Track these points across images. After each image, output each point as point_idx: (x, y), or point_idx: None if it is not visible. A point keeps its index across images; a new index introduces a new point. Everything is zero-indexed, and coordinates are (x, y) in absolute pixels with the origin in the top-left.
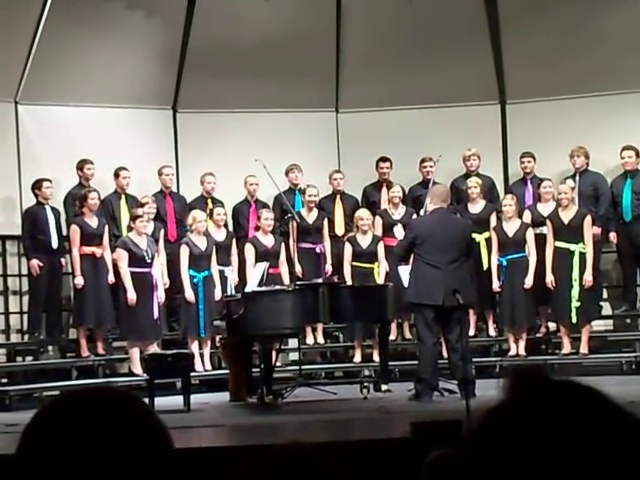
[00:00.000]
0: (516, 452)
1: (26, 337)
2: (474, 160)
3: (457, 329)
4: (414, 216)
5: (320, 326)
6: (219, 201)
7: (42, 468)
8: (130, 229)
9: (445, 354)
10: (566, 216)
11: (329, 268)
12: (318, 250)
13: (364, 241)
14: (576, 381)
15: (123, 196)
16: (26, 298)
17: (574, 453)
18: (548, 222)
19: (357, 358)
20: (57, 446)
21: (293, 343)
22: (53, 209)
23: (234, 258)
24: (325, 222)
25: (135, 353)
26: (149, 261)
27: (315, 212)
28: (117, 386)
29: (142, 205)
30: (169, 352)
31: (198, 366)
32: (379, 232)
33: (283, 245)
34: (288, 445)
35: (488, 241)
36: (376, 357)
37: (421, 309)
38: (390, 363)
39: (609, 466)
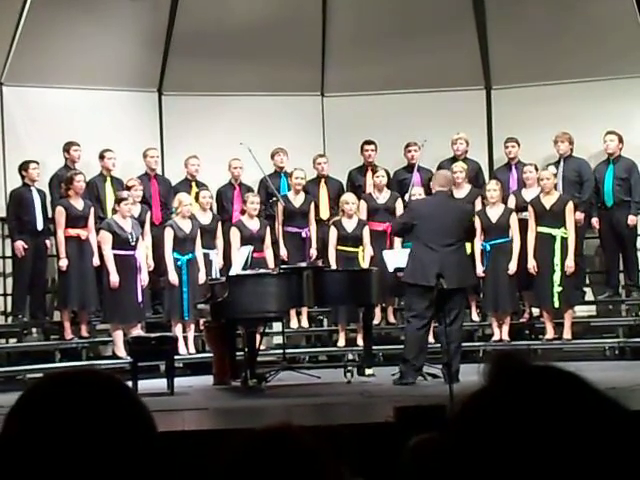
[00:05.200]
0: (497, 437)
1: (10, 319)
2: (461, 144)
3: (452, 314)
4: (399, 200)
5: (304, 310)
6: (203, 184)
7: (26, 450)
8: (115, 212)
9: (432, 338)
10: (548, 201)
11: (314, 252)
12: (304, 234)
13: (349, 225)
14: (556, 366)
15: (108, 178)
16: (10, 280)
17: (554, 437)
18: (530, 207)
19: (341, 342)
20: (41, 428)
21: (277, 327)
22: (39, 191)
23: (219, 241)
24: (312, 206)
25: (119, 336)
26: (133, 244)
27: (302, 195)
28: (100, 369)
29: (128, 188)
30: (153, 335)
31: (182, 349)
32: (364, 216)
33: (268, 229)
34: (276, 426)
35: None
36: (360, 341)
37: (415, 292)
38: (374, 347)
39: (589, 450)
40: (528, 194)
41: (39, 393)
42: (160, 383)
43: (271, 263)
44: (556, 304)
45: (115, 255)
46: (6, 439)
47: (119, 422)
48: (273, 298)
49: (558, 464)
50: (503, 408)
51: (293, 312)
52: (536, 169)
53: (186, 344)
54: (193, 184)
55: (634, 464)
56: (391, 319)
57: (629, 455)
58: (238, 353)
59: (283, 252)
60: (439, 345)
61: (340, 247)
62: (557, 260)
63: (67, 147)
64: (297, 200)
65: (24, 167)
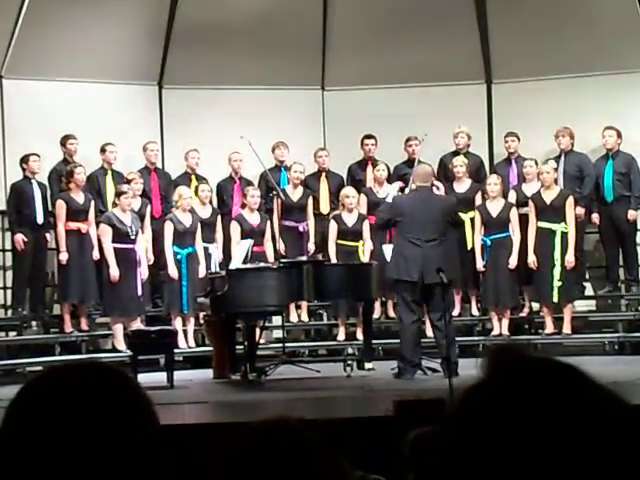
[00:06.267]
0: (496, 429)
1: (9, 312)
2: (462, 138)
3: (439, 307)
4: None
5: (304, 304)
6: (203, 178)
7: (27, 443)
8: (115, 205)
9: (430, 333)
10: (548, 196)
11: (312, 246)
12: (301, 228)
13: (349, 219)
14: (555, 358)
15: (109, 172)
16: (10, 273)
17: (554, 430)
18: (530, 202)
19: (341, 336)
20: (43, 421)
21: (277, 321)
22: (40, 184)
23: (219, 235)
24: (310, 200)
25: (118, 329)
26: (133, 237)
27: (300, 190)
28: (103, 361)
29: (128, 181)
30: (153, 328)
31: (181, 343)
32: (364, 210)
33: (268, 223)
34: (275, 419)
35: (473, 221)
36: (360, 335)
37: (402, 287)
38: (374, 341)
39: (589, 443)
40: (528, 189)
41: (41, 385)
42: (160, 377)
43: (271, 257)
44: (555, 299)
45: (115, 248)
46: (7, 432)
47: (121, 414)
48: (273, 292)
49: (558, 457)
50: (502, 401)
51: (293, 306)
52: (536, 164)
53: (186, 338)
54: (193, 177)
55: (635, 458)
56: (391, 313)
57: (630, 449)
58: (238, 347)
59: (280, 246)
60: (434, 340)
61: (340, 241)
62: (557, 255)
63: (64, 140)
64: (295, 194)
65: (25, 160)
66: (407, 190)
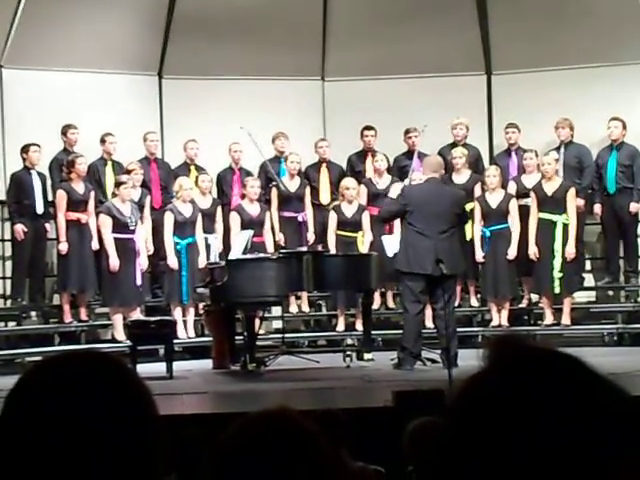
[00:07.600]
0: (495, 420)
1: (9, 302)
2: (460, 130)
3: (445, 299)
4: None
5: (304, 294)
6: (202, 168)
7: (26, 433)
8: (114, 195)
9: (430, 324)
10: (550, 188)
11: (311, 237)
12: (300, 219)
13: (349, 210)
14: (556, 348)
15: (109, 162)
16: (9, 263)
17: (554, 421)
18: (532, 194)
19: (340, 327)
20: (41, 411)
21: (276, 311)
22: (39, 174)
23: (219, 226)
24: (307, 190)
25: (118, 319)
26: (132, 228)
27: (297, 180)
28: (101, 350)
29: (129, 172)
30: (152, 319)
31: (181, 333)
32: (364, 201)
33: (268, 213)
34: (274, 410)
35: (472, 212)
36: (359, 326)
37: (409, 278)
38: (373, 332)
39: (589, 433)
40: (528, 180)
41: (39, 375)
42: (159, 367)
43: (271, 247)
44: (556, 290)
45: (114, 239)
46: (6, 422)
47: (120, 405)
48: (272, 282)
49: (558, 448)
50: (502, 391)
51: (292, 297)
52: (536, 155)
53: (185, 328)
54: (192, 168)
55: (636, 447)
56: (390, 304)
57: (631, 439)
58: (237, 337)
59: (278, 237)
60: (435, 330)
61: (339, 232)
62: (558, 246)
63: (64, 130)
64: (292, 184)
65: (25, 150)
66: (406, 181)
